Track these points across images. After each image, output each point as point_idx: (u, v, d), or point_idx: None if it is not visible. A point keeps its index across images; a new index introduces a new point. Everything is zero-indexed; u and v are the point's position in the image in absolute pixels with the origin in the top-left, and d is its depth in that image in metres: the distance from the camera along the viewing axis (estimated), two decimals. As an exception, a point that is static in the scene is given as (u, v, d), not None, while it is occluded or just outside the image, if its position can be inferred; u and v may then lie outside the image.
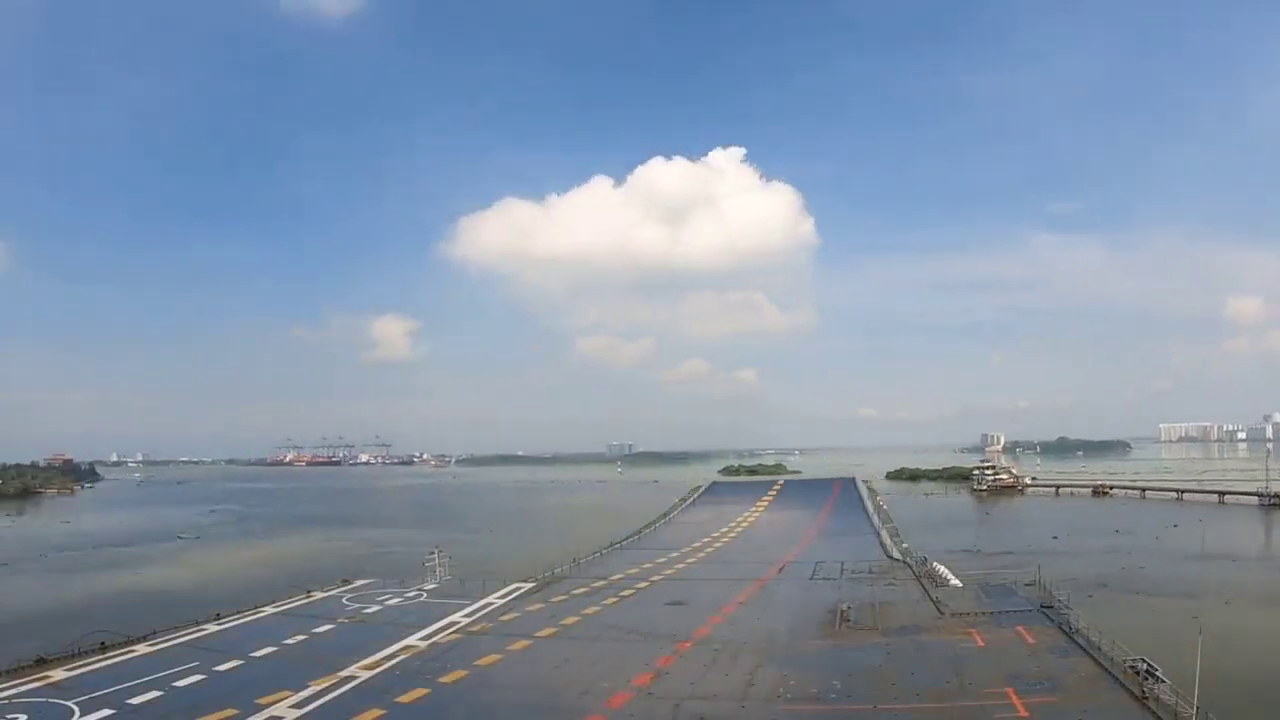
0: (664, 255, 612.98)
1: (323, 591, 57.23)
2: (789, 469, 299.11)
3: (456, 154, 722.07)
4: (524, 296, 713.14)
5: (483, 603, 51.01)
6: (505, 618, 46.95)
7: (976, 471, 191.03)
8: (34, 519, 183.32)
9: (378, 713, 30.10)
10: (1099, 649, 33.69)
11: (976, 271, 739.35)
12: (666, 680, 33.64)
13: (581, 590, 55.16)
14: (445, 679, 34.49)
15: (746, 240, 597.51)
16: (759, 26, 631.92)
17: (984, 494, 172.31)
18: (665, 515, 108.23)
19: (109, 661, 39.02)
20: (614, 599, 52.50)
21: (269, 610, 51.03)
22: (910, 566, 60.31)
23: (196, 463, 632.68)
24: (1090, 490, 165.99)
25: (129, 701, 32.33)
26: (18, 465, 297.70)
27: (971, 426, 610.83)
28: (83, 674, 36.65)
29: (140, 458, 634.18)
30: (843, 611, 44.04)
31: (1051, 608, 41.95)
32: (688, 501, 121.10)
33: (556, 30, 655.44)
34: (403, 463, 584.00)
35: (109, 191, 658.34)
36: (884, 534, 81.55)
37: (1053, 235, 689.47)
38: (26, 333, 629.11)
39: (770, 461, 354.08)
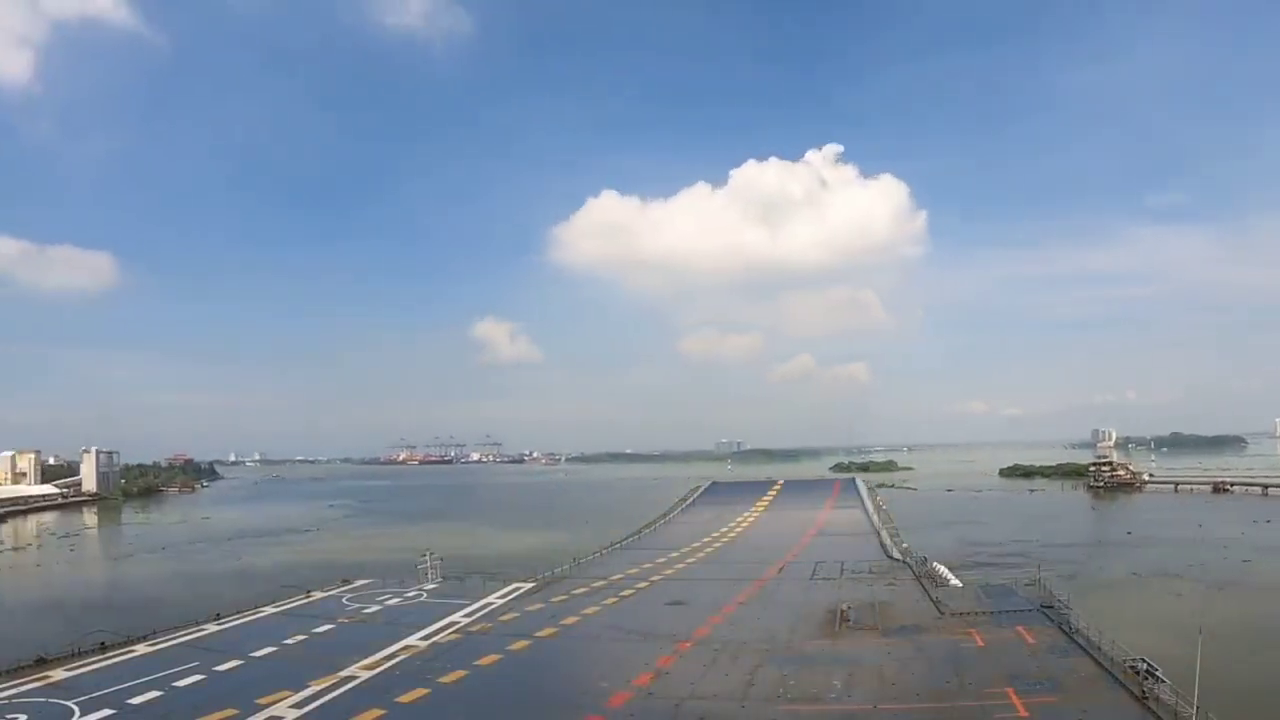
0: (767, 255, 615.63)
1: (322, 591, 57.27)
2: (899, 466, 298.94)
3: (558, 158, 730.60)
4: (629, 298, 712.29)
5: (483, 603, 51.02)
6: (505, 618, 46.94)
7: (1093, 468, 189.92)
8: (170, 513, 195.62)
9: (378, 713, 30.09)
10: (1099, 649, 33.70)
11: (1080, 265, 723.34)
12: (667, 680, 33.64)
13: (581, 590, 55.17)
14: (445, 679, 34.48)
15: (849, 238, 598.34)
16: (851, 25, 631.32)
17: (1101, 491, 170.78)
18: (665, 515, 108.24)
19: (109, 661, 39.01)
20: (614, 599, 52.52)
21: (269, 610, 51.05)
22: (910, 566, 60.33)
23: (312, 462, 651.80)
24: (1210, 487, 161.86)
25: (129, 701, 32.32)
26: (141, 465, 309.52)
27: (1081, 422, 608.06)
28: (83, 674, 36.65)
29: (258, 457, 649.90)
30: (843, 611, 44.04)
31: (1051, 608, 41.97)
32: (687, 501, 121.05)
33: (651, 36, 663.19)
34: (513, 461, 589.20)
35: (228, 205, 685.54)
36: (884, 534, 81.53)
37: (1157, 227, 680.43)
38: (152, 343, 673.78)
39: (879, 459, 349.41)
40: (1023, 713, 27.42)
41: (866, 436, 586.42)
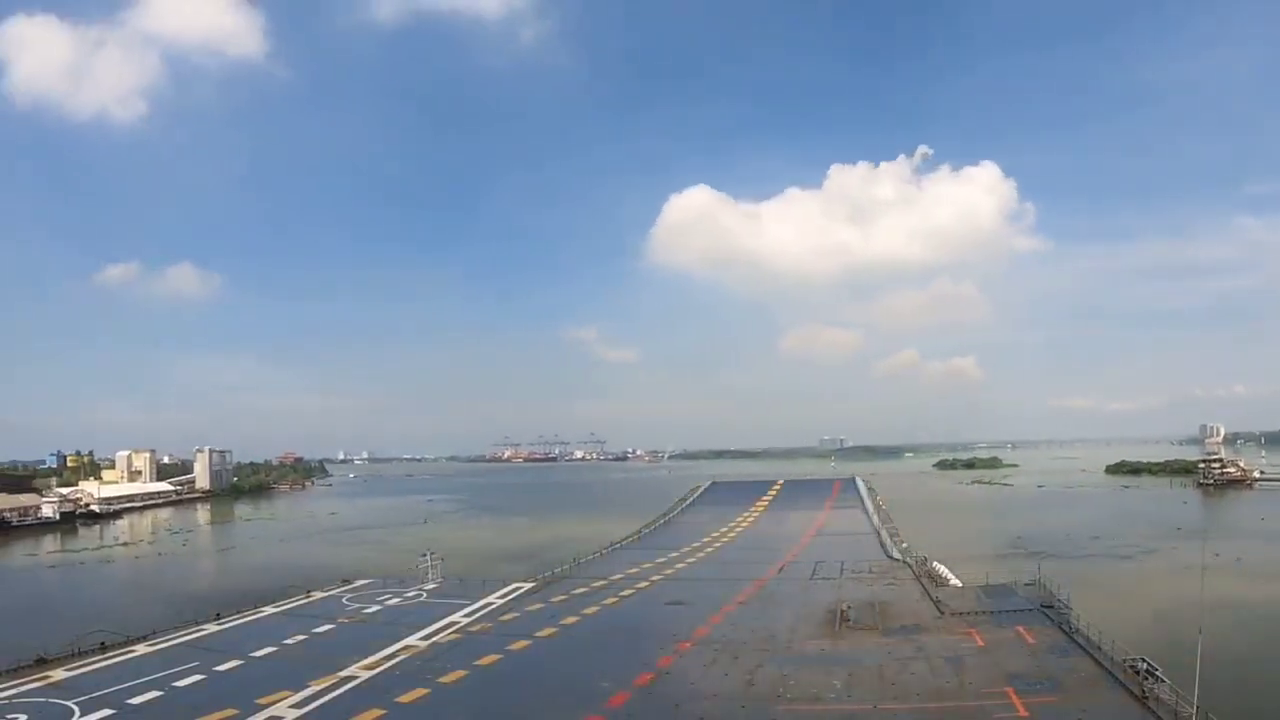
0: (866, 252, 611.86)
1: (323, 591, 57.28)
2: (1003, 464, 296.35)
3: (657, 161, 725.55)
4: (730, 297, 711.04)
5: (483, 603, 51.03)
6: (505, 618, 46.96)
7: (1202, 465, 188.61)
8: (281, 509, 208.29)
9: (378, 713, 30.10)
10: (1099, 648, 33.70)
11: (1184, 256, 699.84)
12: (666, 680, 33.66)
13: (581, 590, 55.18)
14: (445, 679, 34.49)
15: (949, 233, 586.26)
16: (942, 26, 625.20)
17: (1210, 488, 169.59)
18: (665, 515, 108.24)
19: (109, 661, 39.02)
20: (614, 599, 52.53)
21: (269, 610, 51.06)
22: (910, 566, 60.33)
23: (418, 459, 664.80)
24: None
25: (129, 701, 32.32)
26: (253, 463, 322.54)
27: (1187, 417, 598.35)
28: (83, 674, 36.66)
29: (366, 456, 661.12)
30: (842, 611, 44.05)
31: (1052, 607, 41.93)
32: (687, 502, 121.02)
33: (740, 40, 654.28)
34: (616, 459, 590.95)
35: (337, 219, 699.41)
36: (884, 534, 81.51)
37: (1261, 217, 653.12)
38: (266, 348, 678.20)
39: (983, 455, 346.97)
40: (1023, 712, 27.43)
41: (971, 432, 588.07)
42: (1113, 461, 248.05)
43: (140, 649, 41.31)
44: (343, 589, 58.20)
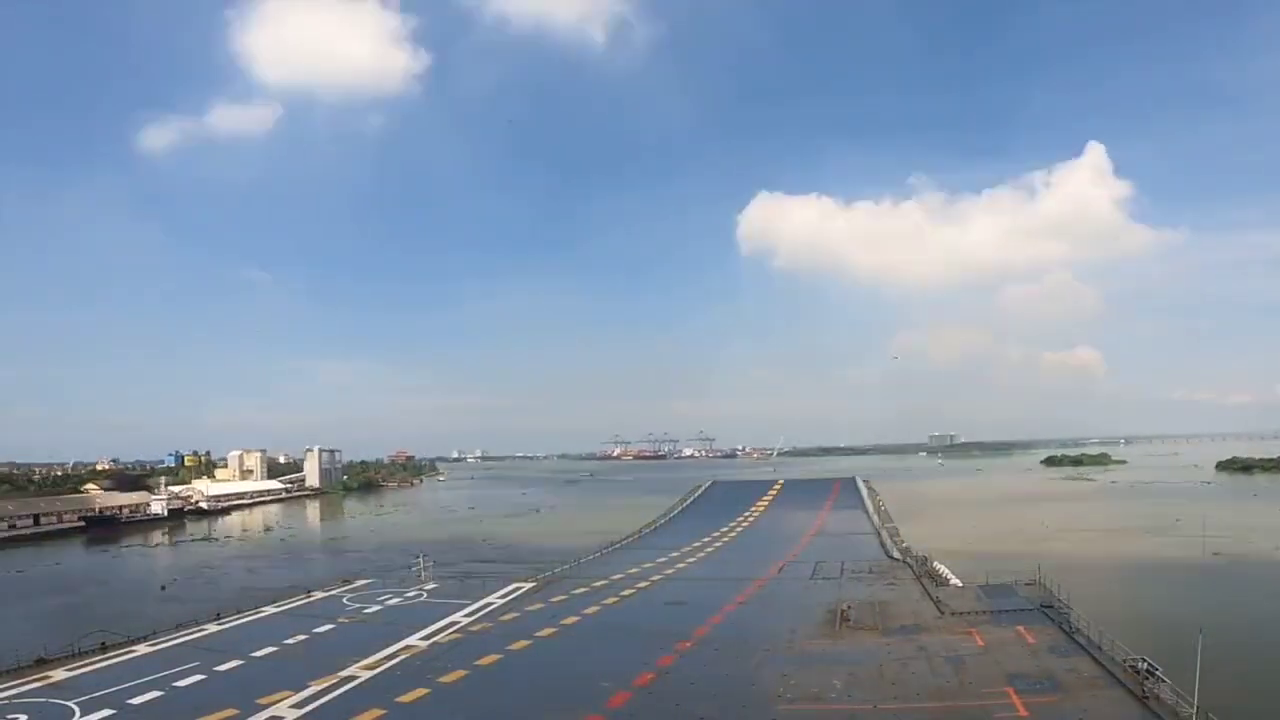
0: (978, 248, 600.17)
1: (323, 591, 57.31)
2: (1111, 460, 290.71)
3: (767, 163, 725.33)
4: (840, 296, 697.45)
5: (483, 603, 51.04)
6: (506, 618, 46.95)
7: None
8: (388, 505, 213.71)
9: (378, 712, 30.13)
10: (1099, 648, 33.71)
11: None
12: (667, 680, 33.66)
13: (582, 590, 55.17)
14: (445, 679, 34.50)
15: (1063, 228, 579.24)
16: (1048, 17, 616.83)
17: None
18: (666, 515, 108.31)
19: (109, 662, 39.05)
20: (614, 599, 52.53)
21: (269, 610, 51.08)
22: (910, 566, 60.30)
23: (531, 458, 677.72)
24: None
25: (129, 701, 32.35)
26: (364, 462, 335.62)
27: None
28: (83, 674, 36.70)
29: (479, 454, 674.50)
30: (843, 611, 44.05)
31: (1052, 607, 41.95)
32: (687, 502, 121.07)
33: (848, 41, 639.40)
34: (725, 455, 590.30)
35: (458, 238, 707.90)
36: (884, 534, 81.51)
37: None
38: (383, 351, 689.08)
39: (1094, 451, 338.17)
40: (1023, 712, 27.44)
41: (1084, 428, 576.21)
42: (1225, 458, 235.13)
43: (141, 649, 41.34)
44: (343, 589, 58.22)
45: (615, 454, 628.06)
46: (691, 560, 71.27)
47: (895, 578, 56.14)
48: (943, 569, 58.25)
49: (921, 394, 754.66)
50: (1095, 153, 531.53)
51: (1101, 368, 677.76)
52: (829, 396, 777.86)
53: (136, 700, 32.54)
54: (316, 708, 30.89)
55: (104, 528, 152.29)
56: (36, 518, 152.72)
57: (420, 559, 64.07)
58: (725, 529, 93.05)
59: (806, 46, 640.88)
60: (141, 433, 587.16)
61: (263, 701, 31.42)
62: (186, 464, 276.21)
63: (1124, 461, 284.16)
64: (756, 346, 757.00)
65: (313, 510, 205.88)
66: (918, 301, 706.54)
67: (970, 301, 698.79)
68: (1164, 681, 28.66)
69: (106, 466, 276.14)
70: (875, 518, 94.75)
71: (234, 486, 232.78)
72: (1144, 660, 30.47)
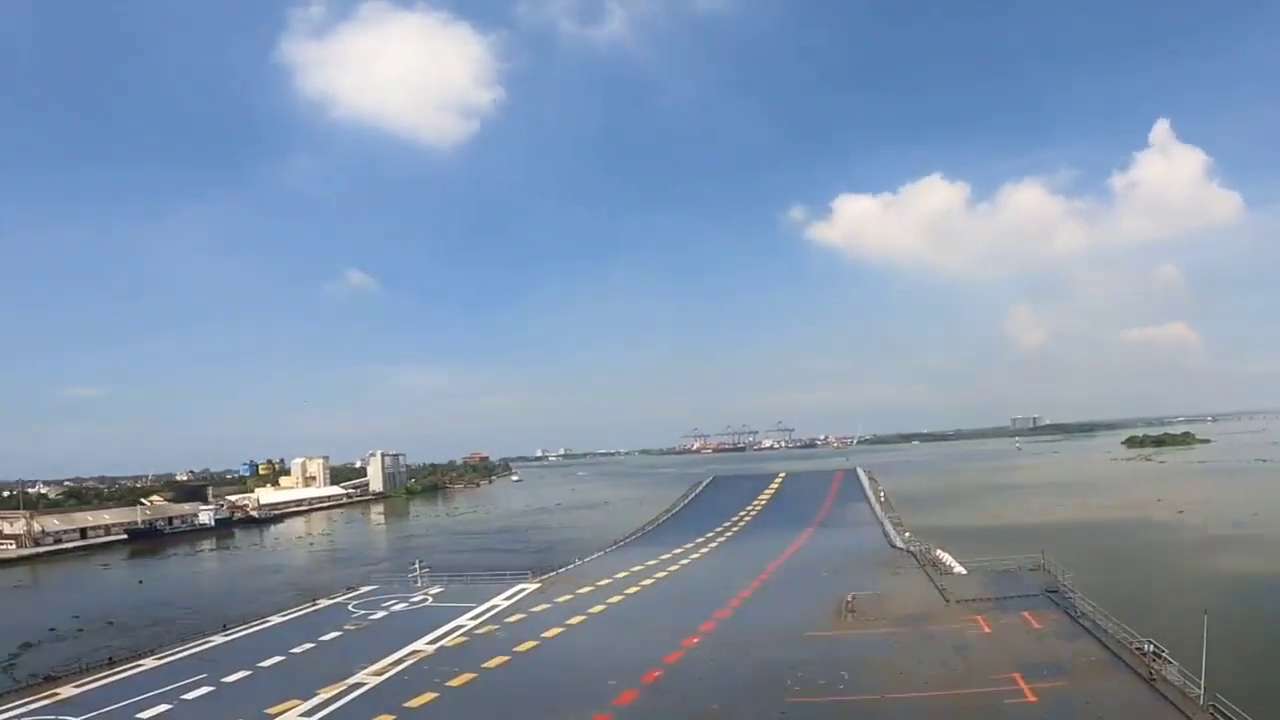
0: (1060, 231, 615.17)
1: (329, 599, 57.27)
2: (1195, 440, 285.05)
3: (836, 154, 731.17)
4: (918, 281, 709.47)
5: (488, 605, 51.05)
6: (511, 619, 46.96)
7: None
8: (461, 506, 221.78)
9: (388, 718, 30.18)
10: (1105, 632, 33.79)
11: None
12: (674, 676, 33.70)
13: (587, 589, 55.20)
14: (453, 682, 34.51)
15: (1147, 209, 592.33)
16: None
17: None
18: (669, 511, 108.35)
19: (117, 677, 38.96)
20: (619, 597, 52.57)
21: (275, 620, 51.04)
22: (914, 555, 60.37)
23: (612, 454, 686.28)
24: None
25: (138, 716, 32.29)
26: (432, 464, 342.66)
27: None
28: (91, 690, 36.61)
29: (562, 452, 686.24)
30: (848, 602, 44.10)
31: (1057, 592, 42.01)
32: (689, 497, 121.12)
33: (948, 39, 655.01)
34: (805, 445, 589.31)
35: (539, 247, 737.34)
36: (887, 524, 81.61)
37: None
38: (465, 354, 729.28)
39: (1177, 431, 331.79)
40: (1031, 698, 27.50)
41: (1172, 406, 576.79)
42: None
43: (148, 663, 41.26)
44: (348, 596, 58.18)
45: (695, 448, 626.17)
46: (695, 555, 71.30)
47: (899, 567, 56.22)
48: (946, 557, 58.31)
49: (1003, 377, 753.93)
50: (1162, 130, 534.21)
51: (1190, 344, 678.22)
52: (908, 383, 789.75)
53: (145, 715, 32.46)
54: (326, 715, 30.91)
55: (148, 539, 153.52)
56: (84, 531, 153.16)
57: (417, 564, 64.21)
58: (729, 523, 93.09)
59: (873, 45, 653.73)
60: (226, 445, 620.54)
61: (271, 711, 31.41)
62: (260, 472, 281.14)
63: (1207, 440, 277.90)
64: (835, 339, 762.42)
65: (375, 515, 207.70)
66: (998, 285, 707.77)
67: (1053, 283, 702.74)
68: (1171, 663, 28.77)
69: (184, 478, 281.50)
70: (877, 508, 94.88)
71: (292, 494, 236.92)
72: (1150, 642, 30.59)
